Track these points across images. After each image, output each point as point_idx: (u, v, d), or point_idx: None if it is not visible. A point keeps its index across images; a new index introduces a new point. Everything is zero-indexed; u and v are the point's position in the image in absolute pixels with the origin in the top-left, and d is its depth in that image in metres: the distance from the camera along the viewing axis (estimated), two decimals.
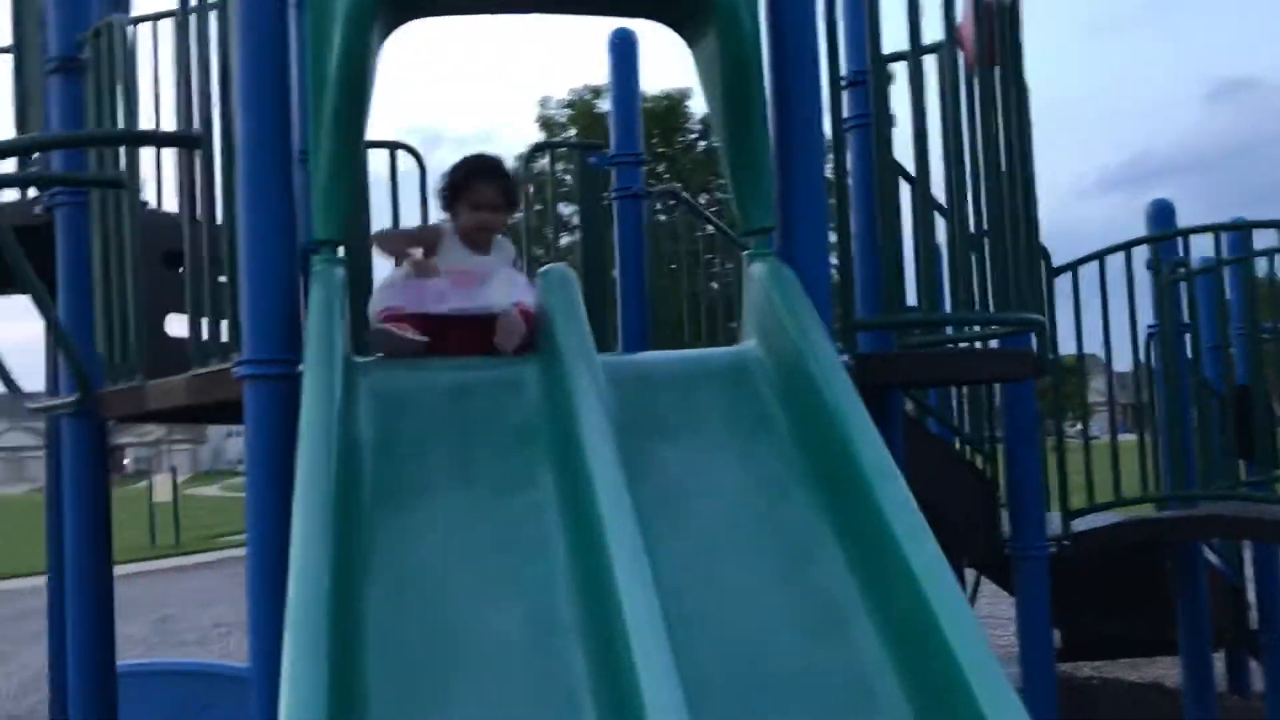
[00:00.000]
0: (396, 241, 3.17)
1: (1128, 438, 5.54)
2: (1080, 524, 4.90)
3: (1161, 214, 5.43)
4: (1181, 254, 5.21)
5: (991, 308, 3.23)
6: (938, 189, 3.30)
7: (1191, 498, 5.22)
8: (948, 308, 3.54)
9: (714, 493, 2.32)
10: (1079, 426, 6.82)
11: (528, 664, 2.01)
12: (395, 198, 4.64)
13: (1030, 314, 3.27)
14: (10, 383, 3.27)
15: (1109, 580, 6.14)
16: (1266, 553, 6.12)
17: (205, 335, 2.90)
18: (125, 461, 71.25)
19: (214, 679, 4.81)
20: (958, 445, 5.00)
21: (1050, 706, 4.65)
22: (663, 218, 5.38)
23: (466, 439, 2.40)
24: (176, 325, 3.55)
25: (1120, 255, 5.04)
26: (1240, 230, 5.30)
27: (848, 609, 2.06)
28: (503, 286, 2.90)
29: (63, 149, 3.46)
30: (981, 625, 1.97)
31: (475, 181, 3.01)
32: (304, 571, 1.97)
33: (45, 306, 3.09)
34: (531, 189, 5.48)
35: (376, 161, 4.67)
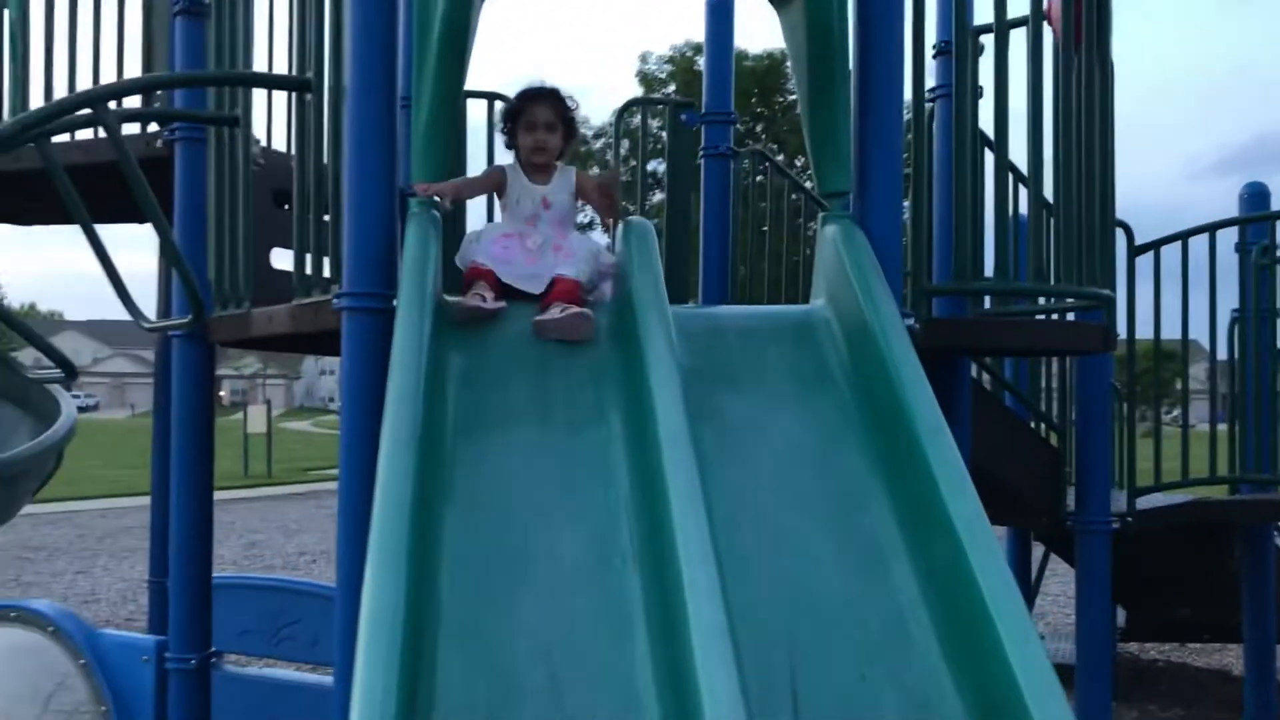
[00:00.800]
0: (442, 187, 3.09)
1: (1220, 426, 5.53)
2: (1146, 502, 4.92)
3: (1255, 197, 5.37)
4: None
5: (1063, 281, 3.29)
6: (1019, 161, 3.37)
7: (1263, 481, 5.21)
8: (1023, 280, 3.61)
9: (771, 439, 2.46)
10: (1175, 412, 6.75)
11: (588, 585, 2.18)
12: (491, 147, 4.80)
13: (1101, 290, 3.32)
14: (130, 304, 3.52)
15: (1178, 563, 6.14)
16: None
17: (309, 269, 3.10)
18: (221, 394, 73.48)
19: (301, 595, 5.09)
20: (1033, 424, 5.05)
21: (1104, 680, 4.70)
22: (759, 179, 5.46)
23: (542, 376, 2.56)
24: (280, 259, 3.77)
25: (1208, 237, 5.03)
26: None
27: (889, 553, 2.19)
28: (581, 256, 2.94)
29: (184, 88, 3.69)
30: (1014, 583, 2.08)
31: (529, 104, 3.11)
32: (388, 491, 2.16)
33: (165, 234, 3.32)
34: (626, 144, 5.59)
35: (475, 111, 4.83)
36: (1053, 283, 3.25)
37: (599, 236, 3.06)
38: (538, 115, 3.07)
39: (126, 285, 3.49)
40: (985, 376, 5.07)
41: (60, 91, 4.17)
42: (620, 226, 3.01)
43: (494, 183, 3.15)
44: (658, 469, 2.19)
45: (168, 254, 3.33)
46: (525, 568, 2.22)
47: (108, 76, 4.19)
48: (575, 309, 2.73)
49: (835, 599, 2.13)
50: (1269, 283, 5.25)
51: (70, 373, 4.24)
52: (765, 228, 5.44)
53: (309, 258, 3.12)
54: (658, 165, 8.21)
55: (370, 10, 2.78)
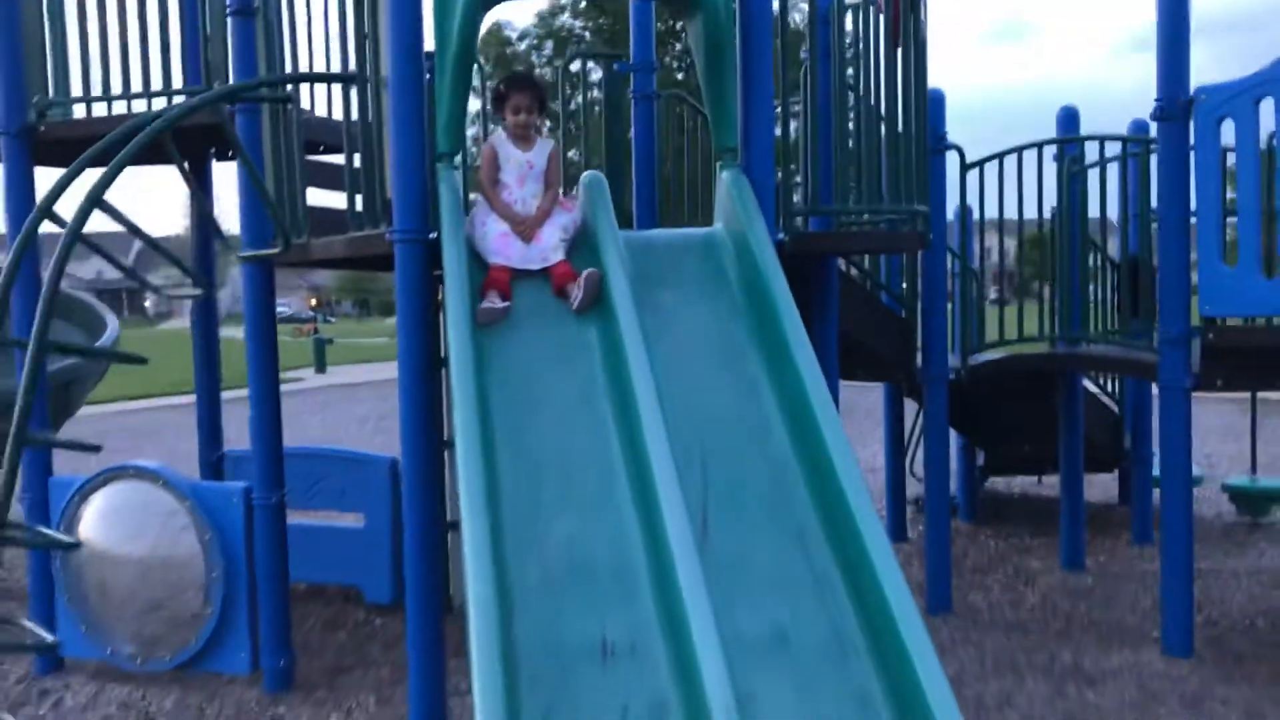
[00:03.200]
0: (491, 194, 4.14)
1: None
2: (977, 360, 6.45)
3: (1068, 119, 6.80)
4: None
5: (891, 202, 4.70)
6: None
7: (1070, 339, 6.73)
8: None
9: (688, 320, 3.85)
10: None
11: (580, 421, 3.53)
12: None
13: (917, 206, 4.74)
14: (221, 236, 4.74)
15: (1016, 410, 7.70)
16: (1139, 388, 7.66)
17: (359, 208, 4.35)
18: (146, 304, 72.99)
19: (329, 459, 6.41)
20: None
21: (943, 496, 6.22)
22: (678, 110, 6.65)
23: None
24: (312, 197, 4.96)
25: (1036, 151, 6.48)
26: (1136, 140, 6.65)
27: (761, 384, 3.61)
28: (554, 236, 3.99)
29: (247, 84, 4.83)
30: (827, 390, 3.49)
31: (513, 91, 4.18)
32: (462, 393, 3.41)
33: (255, 178, 4.53)
34: (569, 88, 6.74)
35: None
36: (879, 202, 4.66)
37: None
38: (520, 101, 4.17)
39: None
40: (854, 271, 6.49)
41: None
42: (582, 178, 4.29)
43: (494, 158, 4.17)
44: (620, 344, 3.56)
45: (260, 194, 4.55)
46: (537, 407, 3.58)
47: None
48: (584, 279, 3.80)
49: (729, 413, 3.55)
50: (1078, 185, 6.69)
51: (206, 290, 5.49)
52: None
53: (359, 199, 4.35)
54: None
55: (404, 26, 3.99)
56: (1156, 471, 8.54)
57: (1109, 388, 8.19)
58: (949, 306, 6.32)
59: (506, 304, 3.86)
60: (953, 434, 8.81)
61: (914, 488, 8.37)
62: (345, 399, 19.26)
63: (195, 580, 5.07)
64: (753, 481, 3.46)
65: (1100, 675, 5.09)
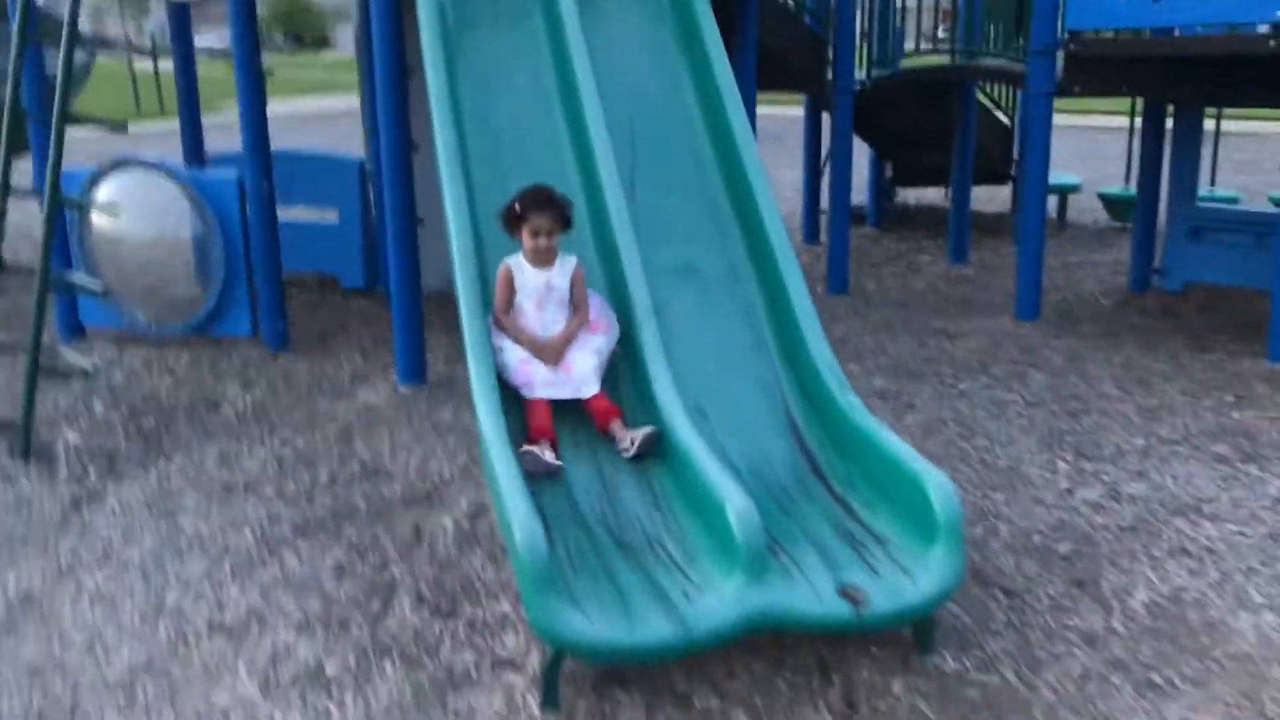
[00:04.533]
0: (505, 322, 3.70)
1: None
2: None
3: None
4: None
5: None
6: None
7: (969, 52, 7.52)
8: None
9: (624, 25, 4.59)
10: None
11: (535, 108, 4.33)
12: None
13: None
14: None
15: (920, 120, 8.53)
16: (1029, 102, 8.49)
17: None
18: None
19: (303, 160, 7.13)
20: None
21: (845, 197, 7.13)
22: None
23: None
24: None
25: None
26: None
27: (681, 78, 4.41)
28: (587, 363, 3.59)
29: None
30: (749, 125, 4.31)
31: (531, 213, 3.61)
32: (436, 82, 4.14)
33: None
34: None
35: None
36: None
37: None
38: (541, 225, 3.63)
39: None
40: None
41: None
42: None
43: (509, 281, 3.71)
44: (564, 40, 4.32)
45: None
46: (497, 92, 4.37)
47: None
48: (645, 438, 3.38)
49: (655, 100, 4.37)
50: None
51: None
52: None
53: None
54: None
55: None
56: (1055, 181, 9.59)
57: (1005, 103, 9.03)
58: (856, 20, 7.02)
59: (558, 464, 3.39)
60: (866, 149, 9.71)
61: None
62: (291, 131, 19.51)
63: (200, 256, 5.92)
64: (673, 156, 4.32)
65: (960, 334, 6.20)
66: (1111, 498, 3.99)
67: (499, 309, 3.72)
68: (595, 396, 3.58)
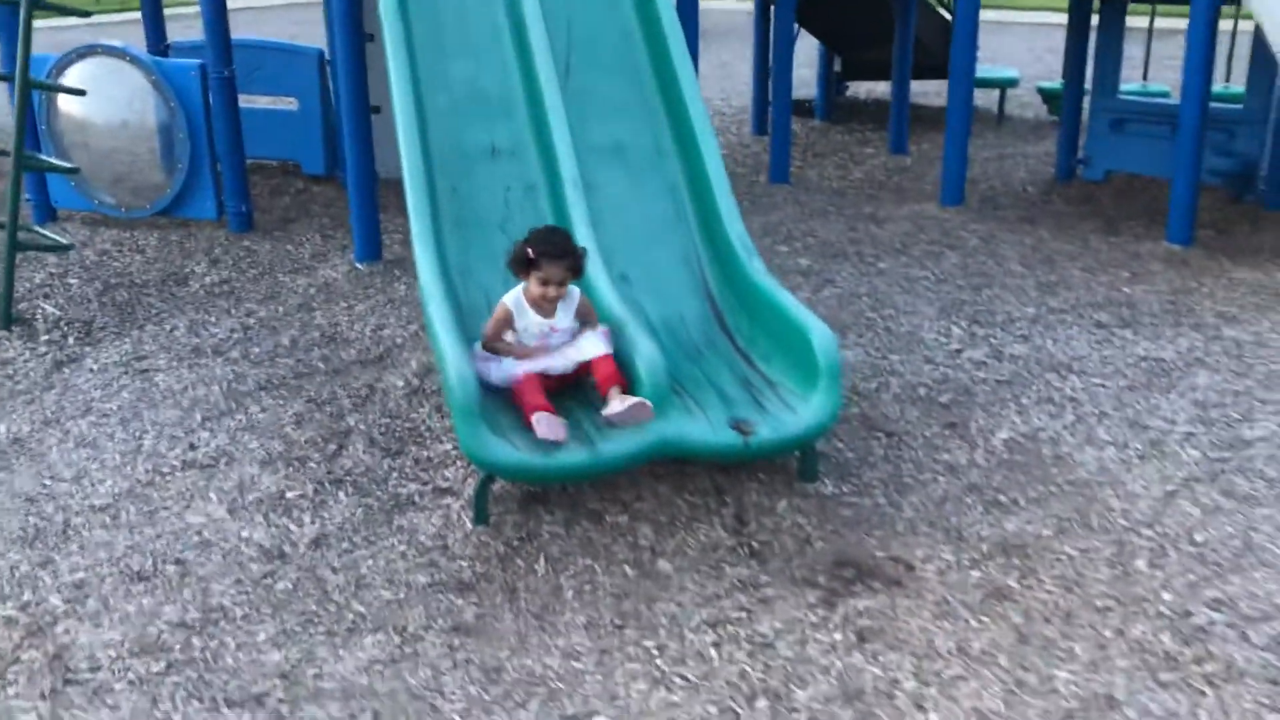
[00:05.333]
0: (499, 345, 3.47)
1: None
2: None
3: None
4: None
5: None
6: None
7: None
8: None
9: None
10: None
11: (491, 50, 4.61)
12: None
13: None
14: None
15: (865, 17, 8.80)
16: None
17: None
18: None
19: (264, 49, 7.34)
20: None
21: (787, 88, 7.44)
22: None
23: None
24: None
25: None
26: None
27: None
28: (592, 338, 3.40)
29: None
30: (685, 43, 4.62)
31: (546, 262, 3.37)
32: (395, 50, 4.42)
33: None
34: None
35: None
36: None
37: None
38: (554, 275, 3.39)
39: None
40: None
41: None
42: None
43: (507, 321, 3.47)
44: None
45: None
46: (458, 53, 4.65)
47: None
48: (634, 401, 3.18)
49: (588, 22, 4.66)
50: None
51: None
52: None
53: None
54: None
55: None
56: (994, 75, 9.88)
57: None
58: None
59: (564, 429, 3.21)
60: (815, 43, 9.97)
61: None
62: (253, 22, 19.41)
63: (165, 141, 6.20)
64: (605, 41, 4.64)
65: (887, 218, 6.60)
66: (995, 357, 4.45)
67: (491, 337, 3.48)
68: (605, 358, 3.36)
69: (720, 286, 4.03)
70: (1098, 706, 2.52)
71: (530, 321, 3.47)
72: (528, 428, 3.21)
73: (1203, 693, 2.55)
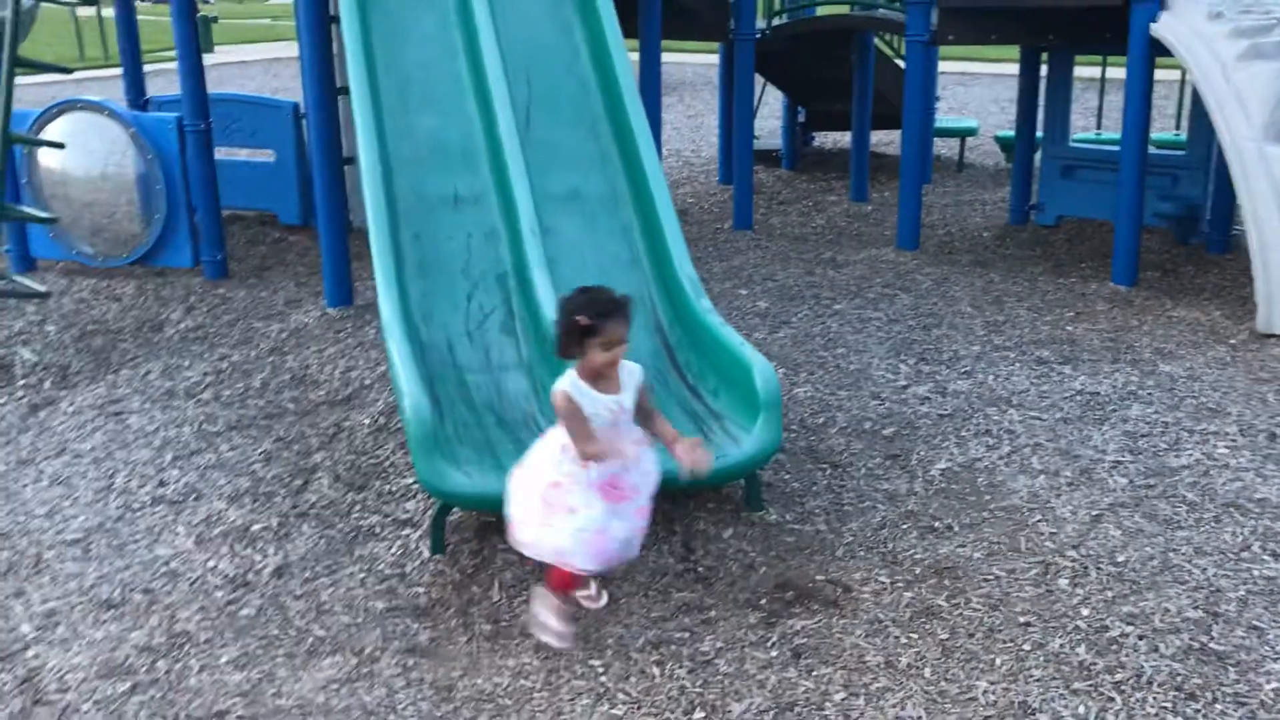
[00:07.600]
0: (590, 449, 2.88)
1: None
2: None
3: None
4: None
5: None
6: None
7: (867, 4, 8.07)
8: None
9: None
10: None
11: (441, 56, 4.85)
12: None
13: None
14: None
15: (827, 70, 9.08)
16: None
17: None
18: None
19: (242, 103, 7.57)
20: None
21: (748, 138, 7.70)
22: None
23: None
24: None
25: None
26: None
27: (579, 47, 4.94)
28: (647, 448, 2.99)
29: None
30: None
31: (608, 324, 2.85)
32: (350, 30, 4.65)
33: None
34: None
35: None
36: None
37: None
38: (619, 332, 2.88)
39: None
40: None
41: None
42: None
43: (578, 411, 2.89)
44: (470, 4, 4.84)
45: None
46: (406, 37, 4.87)
47: None
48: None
49: (548, 44, 4.89)
50: None
51: None
52: None
53: None
54: None
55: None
56: (954, 125, 10.18)
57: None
58: None
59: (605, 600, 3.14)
60: (781, 95, 10.27)
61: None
62: (237, 76, 19.76)
63: (143, 192, 6.39)
64: (563, 93, 4.86)
65: (846, 263, 6.82)
66: (939, 393, 4.64)
67: (582, 436, 2.88)
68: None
69: (671, 324, 4.21)
70: (1013, 713, 2.67)
71: (599, 406, 2.90)
72: (554, 591, 3.02)
73: (1111, 699, 2.71)
